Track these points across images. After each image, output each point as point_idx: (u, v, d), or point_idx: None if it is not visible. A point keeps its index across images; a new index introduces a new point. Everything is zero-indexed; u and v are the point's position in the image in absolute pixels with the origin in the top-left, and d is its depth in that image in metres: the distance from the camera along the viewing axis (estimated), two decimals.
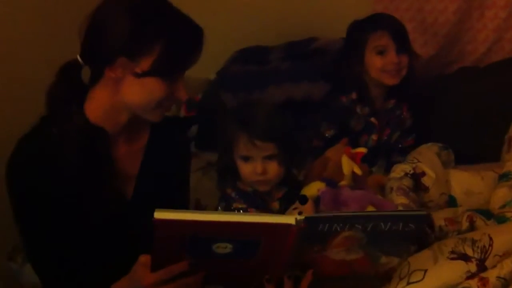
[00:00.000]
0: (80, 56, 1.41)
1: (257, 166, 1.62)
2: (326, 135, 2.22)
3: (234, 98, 2.58)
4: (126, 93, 1.39)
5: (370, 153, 2.21)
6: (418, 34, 2.64)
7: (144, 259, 1.25)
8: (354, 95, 2.22)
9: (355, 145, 2.15)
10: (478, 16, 2.58)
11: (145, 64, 1.35)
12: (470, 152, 2.28)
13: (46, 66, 1.45)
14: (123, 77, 1.37)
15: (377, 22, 2.21)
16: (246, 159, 1.63)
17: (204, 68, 2.82)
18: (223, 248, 1.18)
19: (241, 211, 1.68)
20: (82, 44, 1.40)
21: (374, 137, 2.27)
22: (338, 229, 1.22)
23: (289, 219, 1.16)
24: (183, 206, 1.65)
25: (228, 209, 1.69)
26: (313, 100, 2.49)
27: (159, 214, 1.11)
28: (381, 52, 2.15)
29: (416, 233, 1.30)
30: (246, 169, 1.64)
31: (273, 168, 1.63)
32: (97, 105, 1.43)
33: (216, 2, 2.92)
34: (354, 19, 2.29)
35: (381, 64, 2.14)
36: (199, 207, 2.13)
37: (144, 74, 1.35)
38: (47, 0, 2.15)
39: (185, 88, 1.44)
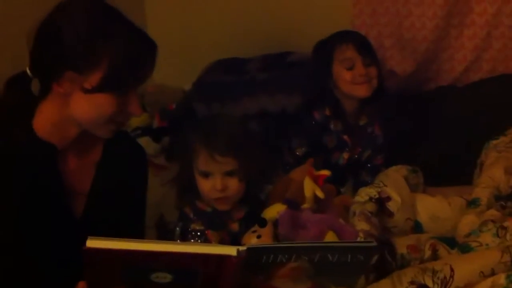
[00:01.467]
0: (29, 68, 1.36)
1: (216, 182, 1.56)
2: (297, 153, 2.20)
3: (206, 109, 2.54)
4: (74, 108, 1.35)
5: (340, 172, 2.20)
6: (396, 50, 2.62)
7: (82, 285, 1.21)
8: (327, 111, 2.21)
9: (326, 163, 2.14)
10: (456, 34, 2.55)
11: (94, 79, 1.31)
12: (444, 173, 2.26)
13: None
14: (71, 92, 1.32)
15: (341, 36, 2.23)
16: (206, 174, 1.58)
17: (181, 78, 2.85)
18: (163, 278, 1.14)
19: (199, 233, 1.64)
20: (30, 55, 1.35)
21: (345, 155, 2.24)
22: (284, 260, 1.18)
23: (229, 250, 1.12)
24: (137, 227, 1.59)
25: (186, 230, 1.65)
26: (287, 113, 2.46)
27: (92, 243, 1.07)
28: (349, 68, 2.15)
29: (366, 264, 1.26)
30: (205, 186, 1.59)
31: (234, 185, 1.58)
32: (45, 119, 1.39)
33: (194, 14, 2.91)
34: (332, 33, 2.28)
35: (350, 77, 2.15)
36: (162, 224, 2.08)
37: (93, 89, 1.31)
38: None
39: (138, 102, 1.39)
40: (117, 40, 1.31)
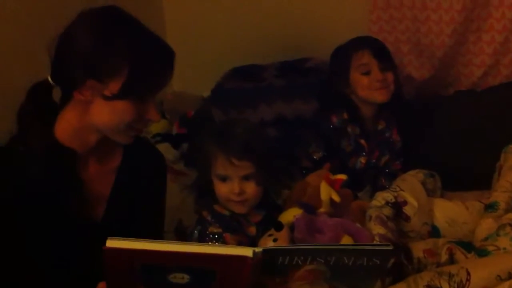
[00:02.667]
0: (51, 77, 1.39)
1: (234, 185, 1.59)
2: (314, 157, 2.20)
3: (224, 116, 2.57)
4: (95, 115, 1.38)
5: (358, 177, 2.21)
6: (414, 56, 2.62)
7: (102, 286, 1.23)
8: (345, 115, 2.22)
9: (344, 167, 2.14)
10: (474, 39, 2.54)
11: (114, 86, 1.33)
12: (463, 178, 2.25)
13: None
14: (92, 99, 1.35)
15: (358, 42, 2.24)
16: (224, 178, 1.60)
17: (200, 86, 2.88)
18: (180, 278, 1.16)
19: (216, 236, 1.65)
20: (52, 65, 1.38)
21: (362, 159, 2.25)
22: (300, 262, 1.19)
23: (245, 251, 1.13)
24: (156, 231, 1.62)
25: (203, 233, 1.66)
26: (304, 119, 2.48)
27: (111, 243, 1.09)
28: (366, 73, 2.16)
29: (383, 268, 1.26)
30: (223, 189, 1.61)
31: (251, 188, 1.60)
32: (66, 126, 1.42)
33: (212, 21, 2.93)
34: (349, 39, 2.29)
35: (367, 82, 2.17)
36: (180, 228, 2.10)
37: (114, 97, 1.34)
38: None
39: (156, 109, 1.42)
40: (136, 48, 1.34)
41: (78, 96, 1.35)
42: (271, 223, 1.64)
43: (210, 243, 1.62)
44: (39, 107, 1.41)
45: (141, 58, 1.34)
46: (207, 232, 1.65)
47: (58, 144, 1.41)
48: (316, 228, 1.62)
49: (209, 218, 1.67)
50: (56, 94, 1.43)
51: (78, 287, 1.37)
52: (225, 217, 1.66)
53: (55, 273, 1.43)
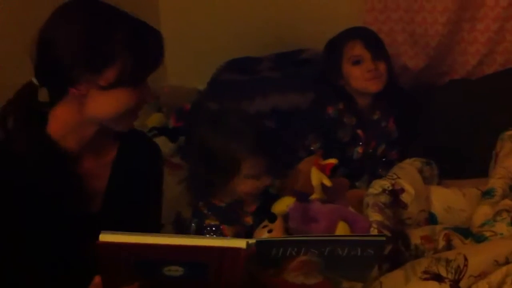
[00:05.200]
0: (36, 78, 1.38)
1: (257, 182, 1.64)
2: (312, 148, 2.21)
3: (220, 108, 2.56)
4: (93, 107, 1.36)
5: (355, 167, 2.21)
6: (408, 46, 2.62)
7: (98, 279, 1.23)
8: (341, 106, 2.23)
9: (341, 157, 2.14)
10: (469, 28, 2.54)
11: (109, 75, 1.32)
12: (459, 166, 2.26)
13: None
14: (87, 92, 1.35)
15: (349, 33, 2.24)
16: (251, 176, 1.63)
17: (195, 79, 2.88)
18: (175, 271, 1.16)
19: (214, 228, 1.67)
20: (36, 66, 1.35)
21: (359, 149, 2.25)
22: (293, 254, 1.19)
23: (239, 242, 1.12)
24: (153, 224, 1.62)
25: (201, 226, 1.68)
26: (300, 111, 2.48)
27: (105, 237, 1.09)
28: (357, 62, 2.17)
29: (377, 258, 1.26)
30: (250, 186, 1.64)
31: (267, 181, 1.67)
32: (62, 123, 1.40)
33: (207, 14, 2.93)
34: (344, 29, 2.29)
35: (359, 72, 2.17)
36: (179, 221, 2.11)
37: (110, 86, 1.33)
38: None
39: (150, 90, 1.40)
40: (125, 34, 1.32)
41: (74, 91, 1.33)
42: (264, 213, 1.66)
43: (208, 235, 1.64)
44: (28, 110, 1.38)
45: (132, 43, 1.32)
46: (204, 225, 1.67)
47: (54, 143, 1.40)
48: (311, 217, 1.62)
49: (205, 211, 1.68)
50: (42, 95, 1.40)
51: (76, 282, 1.37)
52: (221, 209, 1.67)
53: (53, 269, 1.43)
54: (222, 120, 1.71)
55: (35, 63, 1.34)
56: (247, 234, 1.63)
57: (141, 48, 1.34)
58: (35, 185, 1.38)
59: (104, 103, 1.35)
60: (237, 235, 1.63)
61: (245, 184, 1.64)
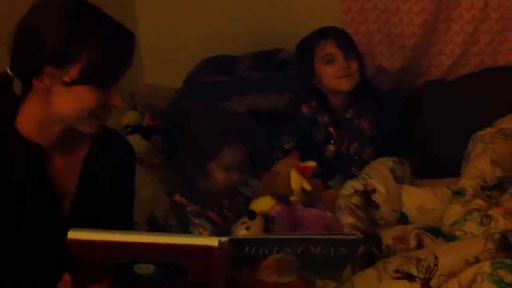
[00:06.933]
0: (10, 68, 1.37)
1: (233, 175, 1.70)
2: (286, 147, 2.21)
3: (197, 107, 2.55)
4: (57, 103, 1.35)
5: (328, 166, 2.22)
6: (385, 46, 2.64)
7: (68, 277, 1.22)
8: (314, 104, 2.25)
9: (315, 156, 2.15)
10: (444, 29, 2.57)
11: (73, 72, 1.31)
12: (433, 166, 2.27)
13: None
14: (52, 87, 1.33)
15: (321, 32, 2.26)
16: (229, 167, 1.69)
17: (171, 78, 2.86)
18: (146, 268, 1.15)
19: (198, 213, 1.70)
20: (11, 56, 1.36)
21: (331, 147, 2.26)
22: (266, 252, 1.19)
23: (211, 241, 1.11)
24: (125, 223, 1.60)
25: (183, 214, 1.71)
26: (276, 110, 2.48)
27: (73, 234, 1.08)
28: (330, 61, 2.19)
29: (351, 257, 1.27)
30: (225, 178, 1.70)
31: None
32: (29, 118, 1.39)
33: (183, 12, 2.92)
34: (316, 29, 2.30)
35: (331, 71, 2.19)
36: (152, 220, 2.09)
37: (73, 82, 1.32)
38: None
39: (120, 95, 1.39)
40: (95, 33, 1.32)
41: (38, 84, 1.32)
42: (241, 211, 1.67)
43: (196, 220, 1.67)
44: (1, 101, 1.38)
45: (99, 42, 1.32)
46: (187, 211, 1.70)
47: (22, 138, 1.39)
48: (296, 222, 1.62)
49: (183, 201, 1.71)
50: (17, 86, 1.40)
51: (50, 282, 1.35)
52: (198, 196, 1.71)
53: (26, 270, 1.41)
54: (203, 113, 1.76)
55: (10, 52, 1.34)
56: (226, 225, 1.67)
57: (110, 48, 1.34)
58: (4, 181, 1.36)
59: (67, 100, 1.34)
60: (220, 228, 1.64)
61: (222, 175, 1.67)
